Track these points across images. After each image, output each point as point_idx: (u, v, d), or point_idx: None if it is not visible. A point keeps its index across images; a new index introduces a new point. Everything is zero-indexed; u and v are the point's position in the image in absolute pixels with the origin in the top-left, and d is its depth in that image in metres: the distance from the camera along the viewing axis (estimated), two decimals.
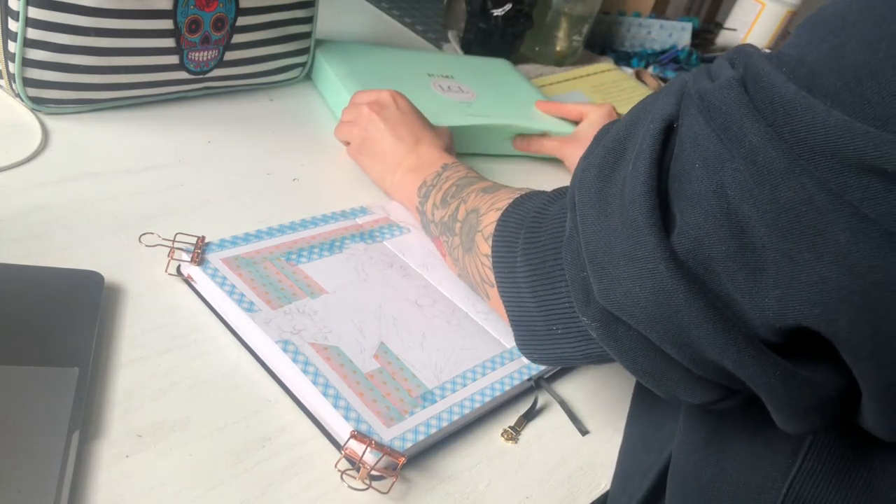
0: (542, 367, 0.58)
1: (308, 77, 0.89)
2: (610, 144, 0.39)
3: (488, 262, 0.50)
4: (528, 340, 0.47)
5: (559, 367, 0.60)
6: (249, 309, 0.53)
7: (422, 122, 0.72)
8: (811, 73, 0.30)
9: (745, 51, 0.34)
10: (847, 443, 0.37)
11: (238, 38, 0.76)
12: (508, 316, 0.49)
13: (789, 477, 0.38)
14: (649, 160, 0.35)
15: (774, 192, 0.29)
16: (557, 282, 0.43)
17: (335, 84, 0.83)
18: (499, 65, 1.01)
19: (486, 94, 0.90)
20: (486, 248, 0.51)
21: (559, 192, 0.48)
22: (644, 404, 0.53)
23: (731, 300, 0.32)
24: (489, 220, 0.52)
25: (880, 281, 0.27)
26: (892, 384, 0.29)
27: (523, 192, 0.52)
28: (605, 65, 1.20)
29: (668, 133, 0.36)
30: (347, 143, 0.76)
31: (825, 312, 0.29)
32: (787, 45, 0.33)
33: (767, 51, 0.34)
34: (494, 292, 0.50)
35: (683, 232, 0.33)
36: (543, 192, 0.50)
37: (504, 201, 0.52)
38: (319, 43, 0.89)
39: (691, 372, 0.36)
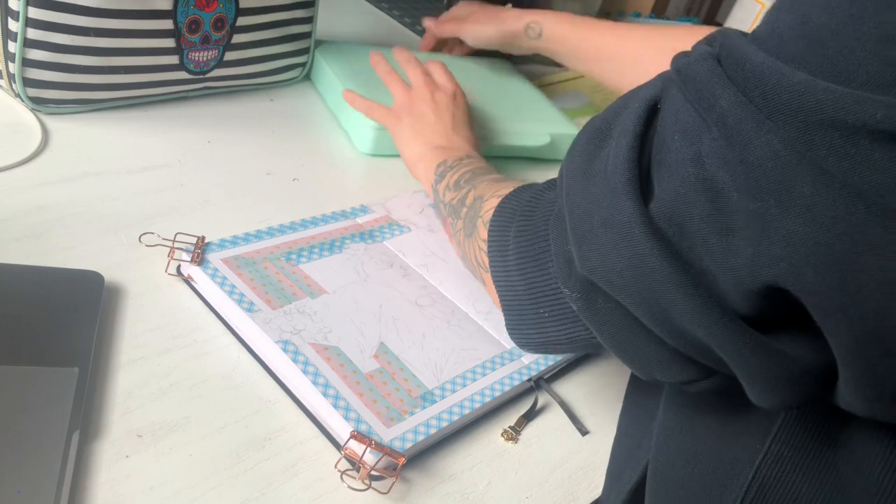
0: (542, 368, 0.58)
1: (308, 77, 0.89)
2: (597, 125, 0.41)
3: (485, 247, 0.51)
4: (518, 324, 0.48)
5: (557, 368, 0.60)
6: (249, 309, 0.53)
7: (466, 120, 0.75)
8: (780, 42, 0.31)
9: (723, 31, 0.36)
10: (815, 427, 0.38)
11: (238, 38, 0.76)
12: (500, 299, 0.49)
13: (756, 461, 0.39)
14: (632, 135, 0.37)
15: (744, 152, 0.30)
16: (545, 263, 0.45)
17: (335, 84, 0.83)
18: (500, 65, 1.01)
19: (488, 96, 0.90)
20: (484, 233, 0.52)
21: (553, 182, 0.49)
22: (636, 399, 0.54)
23: (704, 268, 0.33)
24: (489, 206, 0.53)
25: (844, 231, 0.28)
26: (862, 341, 0.29)
27: (529, 184, 0.53)
28: None
29: (653, 112, 0.37)
30: (367, 102, 0.77)
31: (793, 266, 0.29)
32: (760, 23, 0.34)
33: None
34: (489, 277, 0.51)
35: (660, 198, 0.34)
36: (542, 182, 0.51)
37: (507, 189, 0.53)
38: (319, 43, 0.89)
39: (667, 346, 0.36)
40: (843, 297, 0.29)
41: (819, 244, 0.29)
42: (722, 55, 0.33)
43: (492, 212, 0.52)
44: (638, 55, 0.82)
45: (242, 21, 0.75)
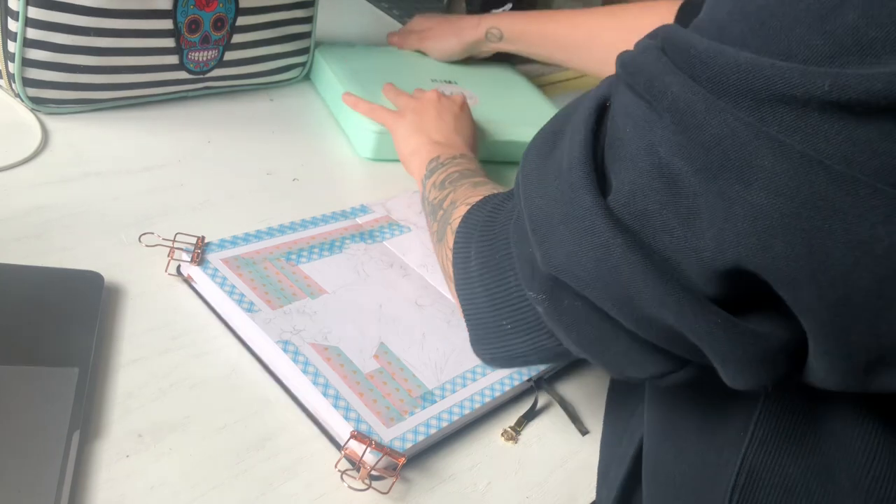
0: (542, 367, 0.58)
1: (307, 78, 0.89)
2: (549, 128, 0.42)
3: (451, 256, 0.51)
4: (481, 338, 0.48)
5: (557, 368, 0.60)
6: (249, 309, 0.53)
7: (470, 128, 0.76)
8: (720, 28, 0.32)
9: (663, 27, 0.36)
10: (795, 409, 0.38)
11: (238, 38, 0.76)
12: (462, 312, 0.49)
13: (742, 449, 0.39)
14: (584, 132, 0.37)
15: (699, 133, 0.31)
16: (506, 272, 0.44)
17: (335, 87, 0.83)
18: (502, 69, 1.01)
19: (490, 100, 0.90)
20: (452, 241, 0.52)
21: (510, 193, 0.50)
22: (615, 397, 0.54)
23: (666, 254, 0.33)
24: (458, 214, 0.53)
25: (807, 199, 0.28)
26: (833, 311, 0.30)
27: (501, 190, 0.53)
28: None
29: (603, 110, 0.38)
30: (368, 105, 0.78)
31: (761, 240, 0.30)
32: (699, 16, 0.35)
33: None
34: (454, 287, 0.51)
35: (618, 190, 0.35)
36: (507, 191, 0.51)
37: (476, 197, 0.53)
38: (319, 44, 0.89)
39: (637, 339, 0.36)
40: (811, 264, 0.29)
41: (784, 214, 0.29)
42: (666, 46, 0.34)
43: (459, 220, 0.51)
44: (598, 37, 0.86)
45: (242, 21, 0.75)
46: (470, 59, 1.01)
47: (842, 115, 0.27)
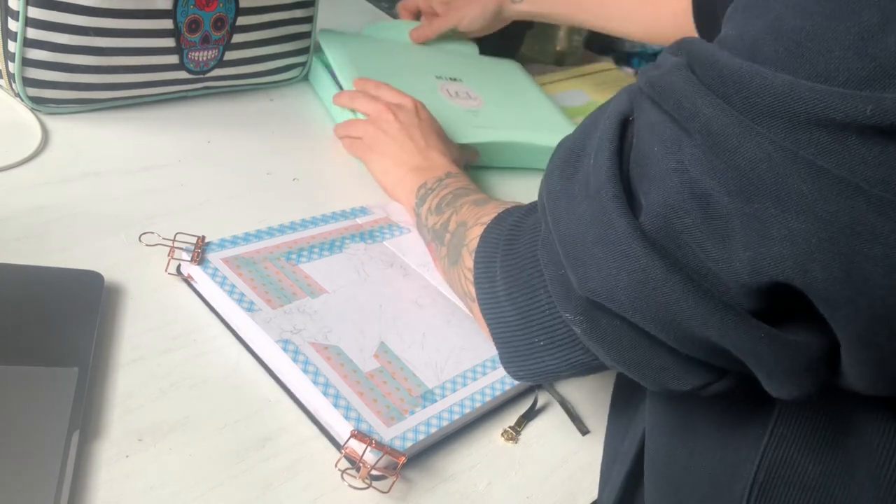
0: None
1: (307, 78, 0.89)
2: (569, 145, 0.41)
3: (471, 277, 0.51)
4: (512, 356, 0.48)
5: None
6: (249, 309, 0.53)
7: (436, 132, 0.73)
8: (753, 46, 0.31)
9: (686, 40, 0.36)
10: (814, 407, 0.38)
11: (238, 38, 0.76)
12: (490, 332, 0.49)
13: (761, 446, 0.39)
14: (609, 151, 0.37)
15: (733, 157, 0.31)
16: (536, 290, 0.44)
17: (333, 89, 0.83)
18: (508, 67, 1.00)
19: (494, 101, 0.89)
20: (470, 262, 0.52)
21: (535, 205, 0.49)
22: (622, 393, 0.54)
23: (706, 270, 0.33)
24: (473, 235, 0.52)
25: (846, 224, 0.28)
26: (870, 328, 0.30)
27: (509, 207, 0.53)
28: (606, 64, 1.20)
29: (625, 126, 0.37)
30: (347, 138, 0.76)
31: (798, 263, 0.30)
32: (724, 30, 0.34)
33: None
34: (477, 307, 0.51)
35: (650, 211, 0.34)
36: (523, 205, 0.51)
37: (489, 216, 0.52)
38: (317, 46, 0.88)
39: (678, 354, 0.36)
40: (850, 288, 0.29)
41: (823, 240, 0.29)
42: (693, 64, 0.33)
43: (476, 240, 0.51)
44: None
45: (242, 21, 0.75)
46: (475, 56, 1.00)
47: (881, 139, 0.27)
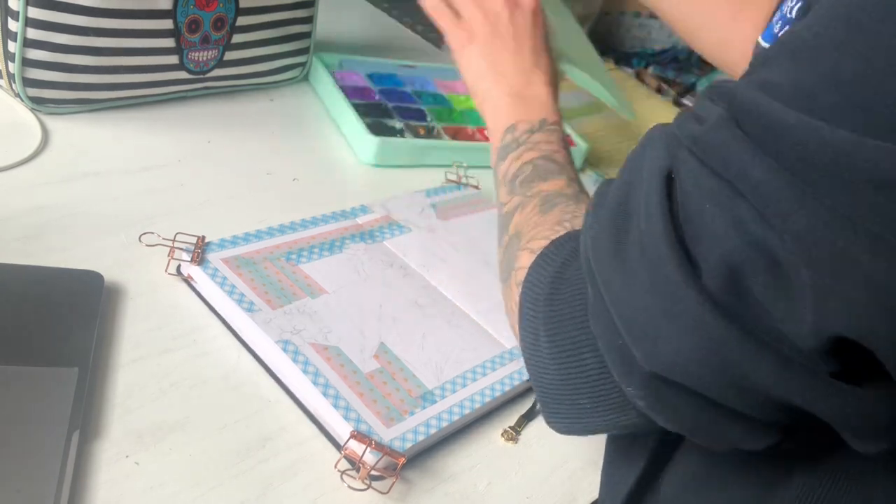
0: None
1: (307, 78, 0.89)
2: (613, 207, 0.38)
3: (517, 311, 0.47)
4: (554, 413, 0.45)
5: None
6: (249, 309, 0.53)
7: (546, 46, 0.66)
8: (809, 97, 0.29)
9: (725, 86, 0.34)
10: (841, 467, 0.37)
11: (238, 38, 0.76)
12: (534, 386, 0.46)
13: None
14: (661, 215, 0.34)
15: (785, 223, 0.29)
16: (582, 352, 0.41)
17: (333, 89, 0.83)
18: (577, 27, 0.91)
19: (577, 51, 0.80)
20: (516, 296, 0.48)
21: (573, 250, 0.45)
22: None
23: (780, 333, 0.31)
24: (522, 263, 0.48)
25: None
26: None
27: (560, 235, 0.48)
28: (606, 65, 1.21)
29: (669, 184, 0.35)
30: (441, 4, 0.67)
31: (858, 328, 0.28)
32: (770, 75, 0.32)
33: (742, 81, 0.33)
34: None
35: (713, 273, 0.32)
36: (568, 242, 0.46)
37: (540, 240, 0.48)
38: (319, 47, 0.88)
39: (754, 420, 0.34)
40: None
41: (884, 308, 0.28)
42: (740, 116, 0.31)
43: (523, 272, 0.47)
44: None
45: (242, 21, 0.75)
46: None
47: None
